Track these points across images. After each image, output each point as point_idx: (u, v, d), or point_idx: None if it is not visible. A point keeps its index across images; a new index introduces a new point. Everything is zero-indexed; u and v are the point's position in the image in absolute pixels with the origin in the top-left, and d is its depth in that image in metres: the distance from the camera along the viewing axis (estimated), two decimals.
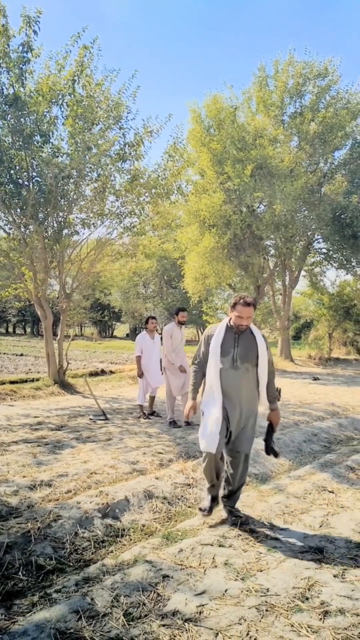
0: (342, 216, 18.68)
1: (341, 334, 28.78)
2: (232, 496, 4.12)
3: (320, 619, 2.66)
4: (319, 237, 21.17)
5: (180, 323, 7.59)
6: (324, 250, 22.24)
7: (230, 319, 3.92)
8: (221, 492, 4.15)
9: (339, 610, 2.73)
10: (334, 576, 3.12)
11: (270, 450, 4.06)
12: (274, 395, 4.02)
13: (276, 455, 4.07)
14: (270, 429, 4.09)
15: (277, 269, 22.08)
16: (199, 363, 4.07)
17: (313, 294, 26.02)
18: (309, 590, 2.95)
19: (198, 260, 19.25)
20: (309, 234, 20.66)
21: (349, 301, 25.44)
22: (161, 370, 8.52)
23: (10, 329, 53.73)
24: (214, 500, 4.12)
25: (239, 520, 3.95)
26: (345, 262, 21.20)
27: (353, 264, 21.05)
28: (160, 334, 8.33)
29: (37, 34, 9.56)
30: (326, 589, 2.96)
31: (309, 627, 2.58)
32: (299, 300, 34.81)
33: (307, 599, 2.86)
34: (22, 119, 9.72)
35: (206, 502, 4.13)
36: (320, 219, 18.45)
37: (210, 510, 4.05)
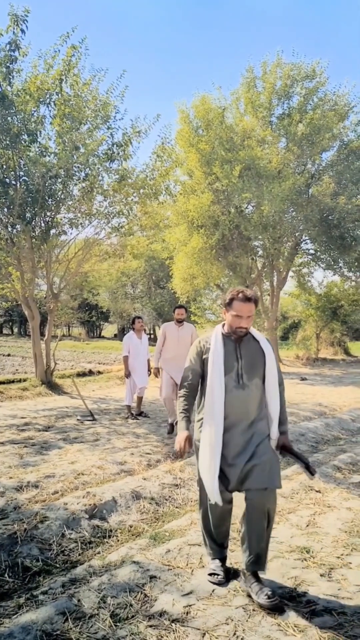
0: (330, 217, 18.79)
1: (328, 334, 29.00)
2: (257, 560, 2.89)
3: (307, 618, 2.67)
4: (307, 238, 21.26)
5: (178, 321, 7.16)
6: (312, 251, 22.35)
7: (224, 324, 3.11)
8: (243, 559, 2.92)
9: (325, 610, 2.75)
10: (321, 575, 3.13)
11: (308, 468, 3.12)
12: (285, 415, 3.16)
13: (313, 473, 3.12)
14: (288, 451, 3.16)
15: (265, 269, 22.14)
16: (189, 385, 3.14)
17: (301, 295, 26.17)
18: (295, 589, 2.96)
19: (186, 261, 19.26)
20: (296, 234, 20.75)
21: (336, 302, 25.66)
22: (149, 370, 8.52)
23: None
24: (224, 561, 3.16)
25: (271, 601, 2.73)
26: (332, 262, 21.31)
27: (340, 264, 21.16)
28: (148, 334, 8.25)
29: (25, 33, 9.51)
30: (313, 589, 2.97)
31: (295, 626, 2.59)
32: (286, 300, 34.97)
33: (293, 598, 2.87)
34: (9, 118, 9.65)
35: (213, 566, 3.10)
36: (307, 220, 18.54)
37: (226, 576, 3.05)
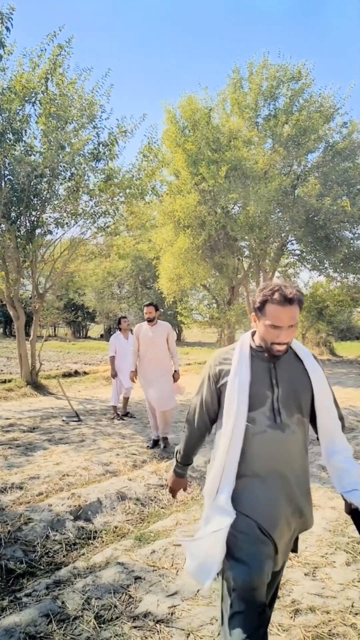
0: (315, 218, 18.90)
1: (314, 334, 29.15)
2: None
3: (291, 617, 2.68)
4: (293, 238, 21.37)
5: (148, 320, 6.46)
6: (298, 252, 22.47)
7: (254, 333, 2.11)
8: None
9: (310, 609, 2.76)
10: (305, 575, 3.15)
11: None
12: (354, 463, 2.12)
13: None
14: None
15: (252, 270, 22.21)
16: (195, 420, 2.18)
17: None
18: (280, 589, 2.97)
19: (173, 261, 19.24)
20: (282, 235, 20.84)
21: (322, 302, 25.80)
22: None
23: None
24: None
25: None
26: (318, 263, 21.44)
27: (326, 265, 21.30)
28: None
29: (10, 31, 9.42)
30: (297, 588, 2.99)
31: (280, 625, 2.60)
32: None
33: (278, 597, 2.88)
34: None
35: None
36: (293, 221, 18.63)
37: None
